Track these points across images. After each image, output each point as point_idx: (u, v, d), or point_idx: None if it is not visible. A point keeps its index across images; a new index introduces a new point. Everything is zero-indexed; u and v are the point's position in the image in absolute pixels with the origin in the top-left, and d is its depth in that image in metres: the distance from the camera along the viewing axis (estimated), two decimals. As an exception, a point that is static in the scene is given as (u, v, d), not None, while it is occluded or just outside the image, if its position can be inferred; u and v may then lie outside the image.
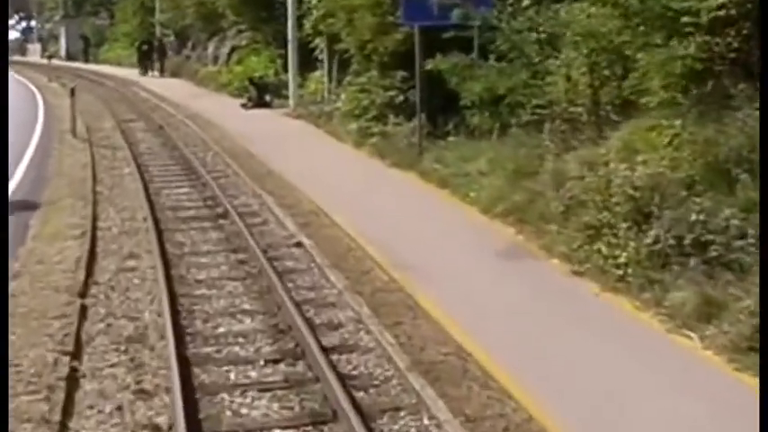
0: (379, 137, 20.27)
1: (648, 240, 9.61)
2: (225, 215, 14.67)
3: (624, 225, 10.07)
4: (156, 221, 14.06)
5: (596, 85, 13.63)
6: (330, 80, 27.20)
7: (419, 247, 12.14)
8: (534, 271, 10.84)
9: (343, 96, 23.77)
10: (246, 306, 10.07)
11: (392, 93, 20.70)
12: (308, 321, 9.19)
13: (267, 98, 30.61)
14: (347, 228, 13.22)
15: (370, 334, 8.86)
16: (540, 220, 12.21)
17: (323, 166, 18.51)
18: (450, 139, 18.21)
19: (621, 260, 9.90)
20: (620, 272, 9.78)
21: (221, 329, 9.25)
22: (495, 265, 11.31)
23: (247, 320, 9.57)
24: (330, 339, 8.84)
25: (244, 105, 30.54)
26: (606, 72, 13.52)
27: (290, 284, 10.61)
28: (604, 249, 10.20)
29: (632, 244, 9.83)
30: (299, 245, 12.56)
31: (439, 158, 17.30)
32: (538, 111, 14.65)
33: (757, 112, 9.48)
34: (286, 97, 29.79)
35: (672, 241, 9.37)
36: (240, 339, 8.95)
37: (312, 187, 16.17)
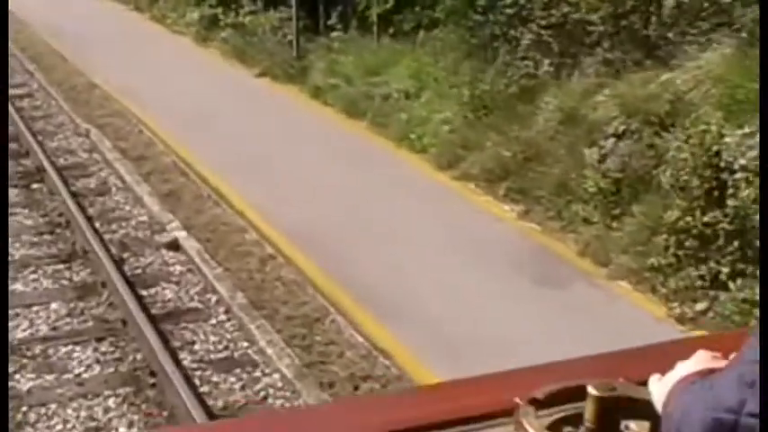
0: (232, 30, 15.38)
1: None
2: (38, 175, 9.76)
3: None
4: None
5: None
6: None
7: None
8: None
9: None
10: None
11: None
12: None
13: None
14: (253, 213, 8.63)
15: None
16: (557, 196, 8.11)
17: (163, 74, 13.48)
18: (335, 35, 13.71)
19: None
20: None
21: None
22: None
23: None
24: None
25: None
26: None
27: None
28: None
29: None
30: (174, 247, 7.94)
31: (331, 67, 12.69)
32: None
33: None
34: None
35: None
36: None
37: (159, 117, 11.33)
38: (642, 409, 1.45)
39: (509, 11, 10.95)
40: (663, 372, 1.42)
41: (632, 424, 1.49)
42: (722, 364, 1.35)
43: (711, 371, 1.32)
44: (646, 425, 1.47)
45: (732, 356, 1.30)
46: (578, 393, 1.51)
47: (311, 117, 11.54)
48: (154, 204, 8.82)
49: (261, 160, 9.68)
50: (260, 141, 10.37)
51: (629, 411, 1.49)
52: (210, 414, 5.51)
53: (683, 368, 1.39)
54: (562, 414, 1.52)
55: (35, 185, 9.58)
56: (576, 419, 1.51)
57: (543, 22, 10.50)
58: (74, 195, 9.07)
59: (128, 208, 8.93)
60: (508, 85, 10.24)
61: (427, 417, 1.57)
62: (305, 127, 11.07)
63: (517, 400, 1.52)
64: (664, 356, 1.46)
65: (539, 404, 1.53)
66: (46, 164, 9.87)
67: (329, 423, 1.62)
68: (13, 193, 9.30)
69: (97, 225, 8.45)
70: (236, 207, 8.61)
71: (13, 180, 9.60)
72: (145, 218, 8.64)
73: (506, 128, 9.68)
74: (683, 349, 1.46)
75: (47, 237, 8.33)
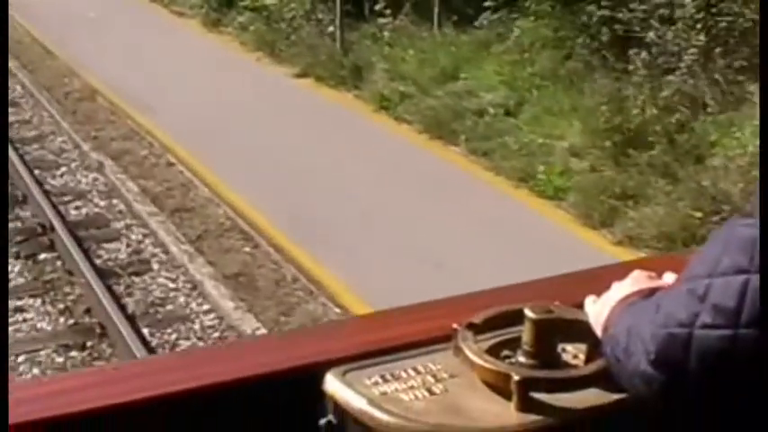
0: (251, 13, 12.73)
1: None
2: (45, 238, 7.21)
3: None
4: None
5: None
6: None
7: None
8: None
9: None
10: None
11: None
12: None
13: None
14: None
15: None
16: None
17: (177, 73, 10.82)
18: (384, 21, 11.15)
19: None
20: None
21: None
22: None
23: None
24: None
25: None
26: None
27: None
28: None
29: None
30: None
31: (394, 67, 10.19)
32: None
33: None
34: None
35: None
36: None
37: (190, 143, 8.80)
38: (579, 331, 1.46)
39: (643, 6, 8.51)
40: (598, 294, 1.41)
41: (569, 346, 1.51)
42: (659, 283, 1.36)
43: (650, 290, 1.31)
44: (583, 347, 1.49)
45: (667, 275, 1.35)
46: (516, 317, 1.51)
47: (386, 140, 9.02)
48: (220, 291, 6.31)
49: (355, 218, 7.18)
50: (341, 184, 7.82)
51: (567, 334, 1.50)
52: None
53: (620, 289, 1.38)
54: (500, 338, 1.54)
55: (43, 255, 7.01)
56: (514, 343, 1.51)
57: (699, 25, 8.06)
58: (100, 274, 6.53)
59: (181, 299, 6.40)
60: (668, 110, 7.81)
61: (364, 345, 1.56)
62: (385, 158, 8.53)
63: (455, 325, 1.52)
64: (599, 280, 1.45)
65: (477, 329, 1.53)
66: (54, 220, 7.29)
67: (267, 354, 1.63)
68: (15, 269, 6.74)
69: (145, 332, 5.93)
70: (346, 305, 6.12)
71: (14, 245, 7.01)
72: (213, 320, 6.12)
73: (680, 171, 7.26)
74: (619, 272, 1.43)
75: (76, 355, 5.79)
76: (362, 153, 8.60)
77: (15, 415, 1.39)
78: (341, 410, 1.47)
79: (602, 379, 1.41)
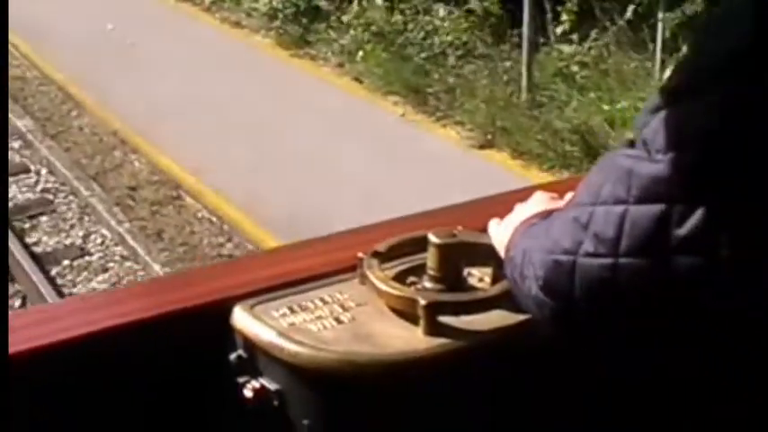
0: (364, 33, 8.79)
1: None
2: None
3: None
4: None
5: None
6: None
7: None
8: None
9: None
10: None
11: None
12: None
13: None
14: None
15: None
16: None
17: (301, 150, 7.20)
18: (570, 50, 7.74)
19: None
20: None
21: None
22: None
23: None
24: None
25: None
26: None
27: None
28: None
29: None
30: None
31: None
32: None
33: None
34: None
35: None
36: None
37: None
38: (484, 254, 1.46)
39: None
40: (502, 218, 1.40)
41: (475, 270, 1.53)
42: (561, 204, 1.35)
43: (551, 212, 1.29)
44: (488, 270, 1.51)
45: (569, 197, 1.30)
46: (420, 244, 1.51)
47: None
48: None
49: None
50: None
51: (472, 257, 1.51)
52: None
53: (523, 210, 1.38)
54: (406, 265, 1.54)
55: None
56: (419, 269, 1.52)
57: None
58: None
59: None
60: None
61: (271, 279, 1.55)
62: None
63: (360, 254, 1.51)
64: (503, 204, 1.44)
65: (382, 257, 1.53)
66: None
67: (174, 293, 1.58)
68: None
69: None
70: None
71: None
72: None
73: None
74: (523, 196, 1.43)
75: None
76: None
77: None
78: (250, 344, 1.47)
79: (508, 300, 1.42)
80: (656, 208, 1.06)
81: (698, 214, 1.04)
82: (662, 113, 1.10)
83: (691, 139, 1.07)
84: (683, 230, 1.05)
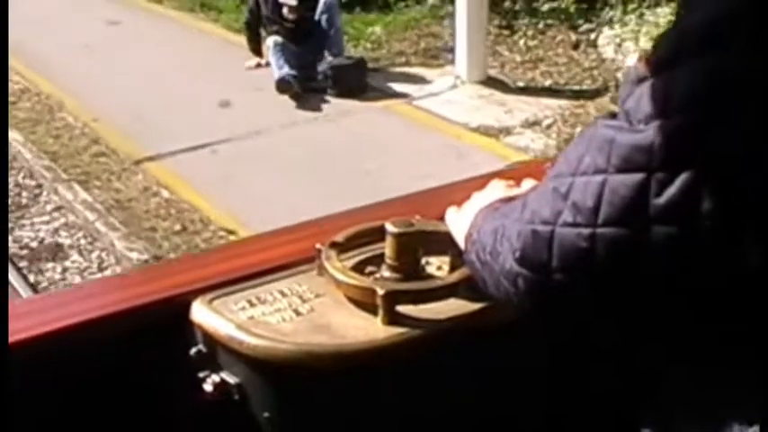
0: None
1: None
2: None
3: None
4: None
5: None
6: None
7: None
8: None
9: None
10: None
11: None
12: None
13: None
14: None
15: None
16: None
17: None
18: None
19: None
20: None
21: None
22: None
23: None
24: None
25: None
26: None
27: None
28: None
29: None
30: None
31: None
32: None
33: None
34: None
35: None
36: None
37: None
38: (442, 242, 1.45)
39: None
40: (459, 206, 1.40)
41: (433, 258, 1.54)
42: (518, 190, 1.37)
43: (510, 198, 1.30)
44: (446, 258, 1.51)
45: (526, 182, 1.38)
46: (378, 234, 1.52)
47: None
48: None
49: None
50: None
51: (430, 246, 1.51)
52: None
53: (481, 197, 1.38)
54: (365, 256, 1.54)
55: None
56: (378, 259, 1.52)
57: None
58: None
59: None
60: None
61: (229, 272, 1.54)
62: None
63: (318, 246, 1.51)
64: (460, 192, 1.43)
65: (340, 247, 1.53)
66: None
67: (132, 289, 1.59)
68: None
69: None
70: None
71: None
72: None
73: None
74: (479, 185, 1.42)
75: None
76: None
77: None
78: (210, 338, 1.46)
79: (466, 288, 1.42)
80: (636, 177, 1.05)
81: (677, 183, 1.03)
82: (645, 84, 1.09)
83: (675, 106, 1.05)
84: (662, 200, 1.04)
